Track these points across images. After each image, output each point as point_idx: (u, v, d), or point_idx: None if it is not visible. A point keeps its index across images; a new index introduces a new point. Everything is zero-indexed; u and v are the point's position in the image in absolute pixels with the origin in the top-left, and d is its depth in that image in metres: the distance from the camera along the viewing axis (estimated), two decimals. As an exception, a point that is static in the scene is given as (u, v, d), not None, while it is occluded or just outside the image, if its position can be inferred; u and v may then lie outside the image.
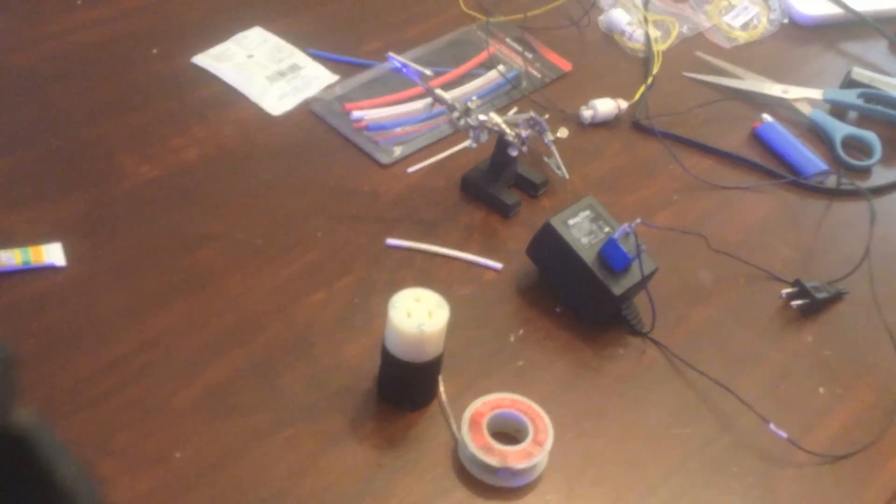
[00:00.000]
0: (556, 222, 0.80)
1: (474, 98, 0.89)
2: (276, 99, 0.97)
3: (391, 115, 0.97)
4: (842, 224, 0.96)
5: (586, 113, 1.01)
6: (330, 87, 1.00)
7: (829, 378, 0.81)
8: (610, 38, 1.14)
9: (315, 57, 1.03)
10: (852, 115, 1.09)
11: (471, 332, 0.79)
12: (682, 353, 0.80)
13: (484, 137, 0.87)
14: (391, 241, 0.85)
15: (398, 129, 0.96)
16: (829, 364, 0.82)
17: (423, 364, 0.70)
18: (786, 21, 1.22)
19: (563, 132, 0.94)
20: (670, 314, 0.82)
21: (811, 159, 1.00)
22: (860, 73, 1.11)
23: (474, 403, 0.71)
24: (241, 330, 0.76)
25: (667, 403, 0.77)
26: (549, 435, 0.70)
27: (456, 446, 0.71)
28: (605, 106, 1.01)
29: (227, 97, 0.97)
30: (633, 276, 0.79)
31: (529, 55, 1.08)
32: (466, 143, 0.89)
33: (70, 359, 0.72)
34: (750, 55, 1.15)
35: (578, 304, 0.81)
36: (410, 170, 0.92)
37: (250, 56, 1.02)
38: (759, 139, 1.03)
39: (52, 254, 0.79)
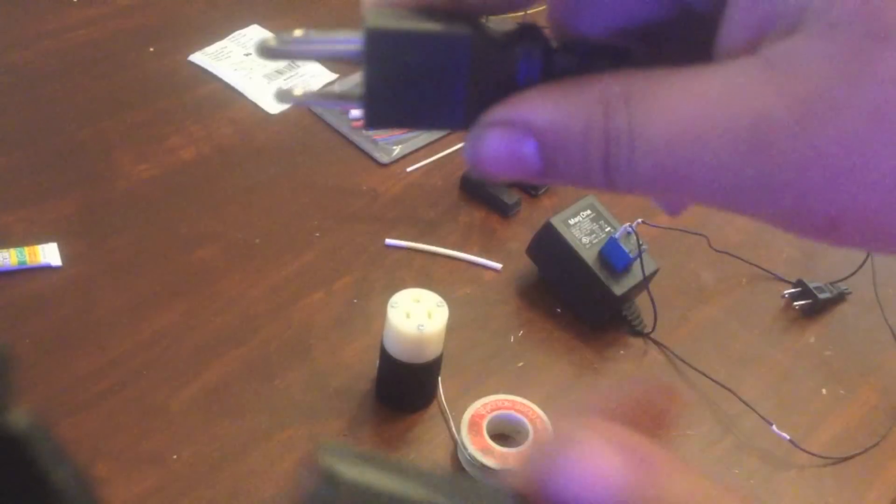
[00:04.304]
0: (556, 222, 0.79)
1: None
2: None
3: (390, 114, 0.96)
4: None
5: (587, 112, 1.00)
6: (328, 85, 0.99)
7: (831, 379, 0.80)
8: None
9: (314, 55, 1.02)
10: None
11: (470, 332, 0.78)
12: (683, 353, 0.79)
13: (484, 136, 0.87)
14: (390, 241, 0.84)
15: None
16: (831, 365, 0.81)
17: (422, 365, 0.69)
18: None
19: (563, 131, 0.93)
20: (672, 314, 0.82)
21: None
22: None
23: (474, 405, 0.71)
24: (238, 330, 0.76)
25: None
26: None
27: (455, 448, 0.70)
28: (606, 104, 1.00)
29: (224, 95, 0.96)
30: (635, 276, 0.78)
31: (529, 53, 1.08)
32: (466, 142, 0.88)
33: (67, 360, 0.72)
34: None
35: (579, 304, 0.81)
36: (409, 169, 0.91)
37: (248, 54, 1.01)
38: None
39: (49, 254, 0.78)
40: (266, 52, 0.24)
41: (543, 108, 0.23)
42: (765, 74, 0.21)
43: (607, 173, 0.22)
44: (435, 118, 0.24)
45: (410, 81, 0.24)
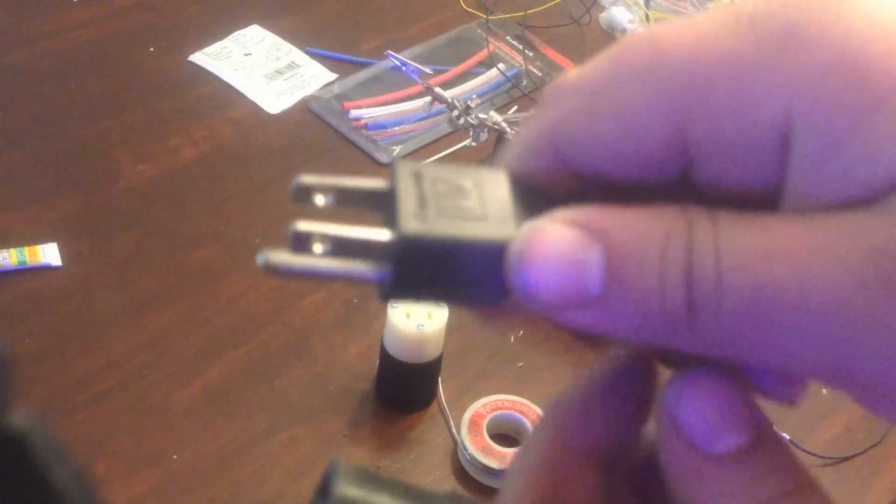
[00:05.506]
0: (556, 222, 0.79)
1: (474, 96, 0.89)
2: (274, 97, 0.97)
3: (390, 114, 0.97)
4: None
5: (587, 112, 1.00)
6: (328, 85, 0.99)
7: (831, 379, 0.80)
8: (611, 37, 1.13)
9: (313, 55, 1.03)
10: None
11: (470, 332, 0.78)
12: (683, 353, 0.79)
13: (484, 136, 0.87)
14: (390, 241, 0.84)
15: (397, 128, 0.96)
16: (831, 365, 0.81)
17: (422, 365, 0.69)
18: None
19: (563, 131, 0.93)
20: (671, 314, 0.82)
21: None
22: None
23: (474, 405, 0.71)
24: (239, 331, 0.76)
25: (668, 404, 0.76)
26: (549, 437, 0.69)
27: (455, 448, 0.70)
28: (606, 104, 1.00)
29: (224, 96, 0.96)
30: (634, 276, 0.78)
31: (530, 53, 1.08)
32: (466, 142, 0.88)
33: (67, 360, 0.72)
34: (751, 53, 1.14)
35: (579, 304, 0.81)
36: (410, 169, 0.91)
37: (248, 54, 1.01)
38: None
39: (49, 254, 0.78)
40: (271, 268, 0.21)
41: (615, 213, 0.19)
42: (880, 216, 0.17)
43: (688, 294, 0.18)
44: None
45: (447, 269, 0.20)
